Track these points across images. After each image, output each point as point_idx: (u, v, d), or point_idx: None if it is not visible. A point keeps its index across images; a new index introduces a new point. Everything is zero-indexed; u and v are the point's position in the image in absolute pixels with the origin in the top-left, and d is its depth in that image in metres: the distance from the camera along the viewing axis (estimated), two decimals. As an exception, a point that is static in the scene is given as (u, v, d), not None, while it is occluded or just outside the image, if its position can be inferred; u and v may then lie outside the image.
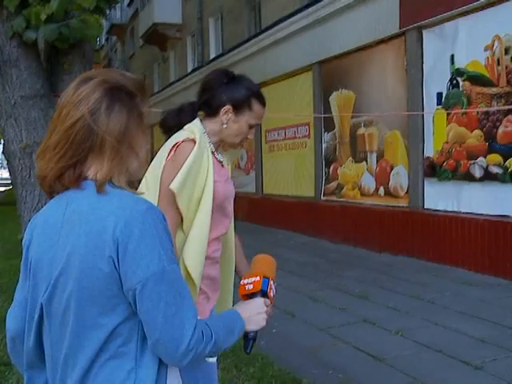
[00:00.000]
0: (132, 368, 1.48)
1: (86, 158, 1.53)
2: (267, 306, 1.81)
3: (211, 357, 1.68)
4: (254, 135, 2.63)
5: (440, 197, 9.38)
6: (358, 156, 11.56)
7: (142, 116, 1.63)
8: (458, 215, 8.92)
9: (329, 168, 12.64)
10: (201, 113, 2.61)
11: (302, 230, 13.01)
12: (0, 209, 22.68)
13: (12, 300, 1.71)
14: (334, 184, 12.47)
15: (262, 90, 2.62)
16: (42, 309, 1.55)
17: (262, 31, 15.03)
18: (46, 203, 1.66)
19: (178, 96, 21.94)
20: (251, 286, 1.84)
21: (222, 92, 2.52)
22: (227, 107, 2.51)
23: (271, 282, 1.86)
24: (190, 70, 22.26)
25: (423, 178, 9.73)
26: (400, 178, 10.32)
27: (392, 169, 10.54)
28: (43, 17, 3.32)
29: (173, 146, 2.44)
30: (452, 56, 9.02)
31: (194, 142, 2.44)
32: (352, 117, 11.64)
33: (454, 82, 9.01)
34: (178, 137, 2.47)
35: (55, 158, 1.52)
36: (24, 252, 1.64)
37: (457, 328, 5.82)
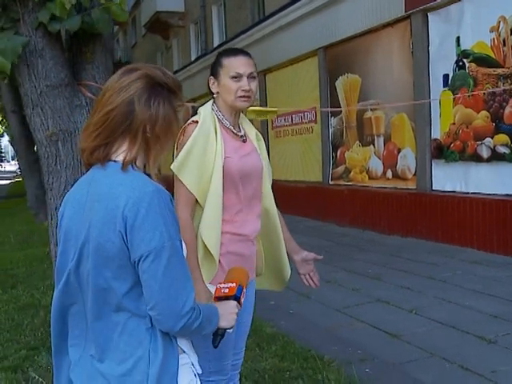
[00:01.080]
0: (148, 327, 1.71)
1: (117, 139, 1.73)
2: (238, 310, 1.99)
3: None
4: (249, 84, 2.69)
5: (448, 178, 9.48)
6: (365, 140, 11.65)
7: (177, 113, 1.82)
8: (466, 196, 9.03)
9: (336, 152, 12.73)
10: None
11: (310, 214, 13.12)
12: (8, 201, 22.84)
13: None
14: (341, 168, 12.56)
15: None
16: (69, 274, 1.77)
17: (266, 18, 15.06)
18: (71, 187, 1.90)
19: (182, 85, 21.80)
20: (227, 290, 2.02)
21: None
22: (209, 79, 2.75)
23: (244, 290, 2.05)
24: (193, 58, 22.30)
25: (431, 159, 9.82)
26: (407, 160, 10.42)
27: (399, 151, 10.63)
28: (68, 5, 3.43)
29: (181, 131, 2.65)
30: (458, 38, 9.08)
31: (198, 123, 2.63)
32: (358, 101, 11.72)
33: (460, 63, 9.08)
34: (188, 122, 2.69)
35: (93, 136, 1.73)
36: (59, 223, 1.87)
37: (469, 305, 5.95)
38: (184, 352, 1.83)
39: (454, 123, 9.28)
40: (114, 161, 1.74)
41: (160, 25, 24.23)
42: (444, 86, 9.43)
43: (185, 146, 2.57)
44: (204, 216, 2.59)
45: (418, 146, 10.00)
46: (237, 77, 2.66)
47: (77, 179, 1.89)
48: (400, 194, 10.48)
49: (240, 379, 3.07)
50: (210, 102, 2.75)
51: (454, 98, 9.21)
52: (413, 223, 9.96)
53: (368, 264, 8.20)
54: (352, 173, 12.18)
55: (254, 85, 2.71)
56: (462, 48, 9.01)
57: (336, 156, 12.73)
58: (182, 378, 1.76)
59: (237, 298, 2.00)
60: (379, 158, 11.24)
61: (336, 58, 12.43)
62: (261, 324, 5.33)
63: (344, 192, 12.19)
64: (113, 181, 1.70)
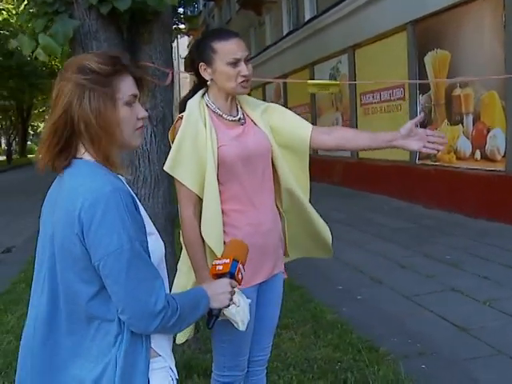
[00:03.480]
0: (118, 333, 1.66)
1: (71, 143, 1.69)
2: (233, 287, 1.91)
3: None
4: (249, 70, 2.55)
5: (540, 160, 8.95)
6: (454, 118, 11.17)
7: (117, 101, 1.71)
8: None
9: (424, 131, 12.28)
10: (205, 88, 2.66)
11: (396, 194, 12.79)
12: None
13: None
14: (429, 147, 12.11)
15: (223, 28, 2.63)
16: (44, 277, 1.73)
17: (356, -9, 14.68)
18: None
19: (273, 61, 21.89)
20: (221, 267, 1.94)
21: (194, 59, 2.61)
22: (200, 65, 2.57)
23: (240, 266, 1.96)
24: (285, 33, 22.08)
25: (522, 140, 9.30)
26: (497, 141, 9.90)
27: (489, 131, 10.12)
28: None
29: (171, 129, 2.61)
30: (554, 10, 8.51)
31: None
32: (447, 78, 11.24)
33: (557, 38, 8.51)
34: (176, 119, 2.61)
35: (45, 147, 1.70)
36: (40, 219, 1.84)
37: (549, 299, 5.59)
38: (159, 355, 1.76)
39: (547, 102, 8.73)
40: (81, 158, 1.71)
41: (253, 0, 24.12)
42: (538, 62, 8.86)
43: (173, 144, 2.50)
44: (203, 214, 2.50)
45: (509, 126, 9.47)
46: (235, 62, 2.51)
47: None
48: (488, 175, 10.01)
49: (267, 371, 2.91)
50: (198, 94, 2.61)
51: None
52: (500, 207, 9.48)
53: (448, 249, 7.87)
54: (439, 152, 11.71)
55: (250, 67, 2.57)
56: (559, 21, 8.43)
57: (424, 135, 12.28)
58: (157, 383, 1.72)
59: (232, 275, 1.92)
60: (468, 138, 10.74)
61: (425, 33, 11.94)
62: (322, 310, 5.23)
63: (431, 172, 11.79)
64: (75, 181, 1.67)
